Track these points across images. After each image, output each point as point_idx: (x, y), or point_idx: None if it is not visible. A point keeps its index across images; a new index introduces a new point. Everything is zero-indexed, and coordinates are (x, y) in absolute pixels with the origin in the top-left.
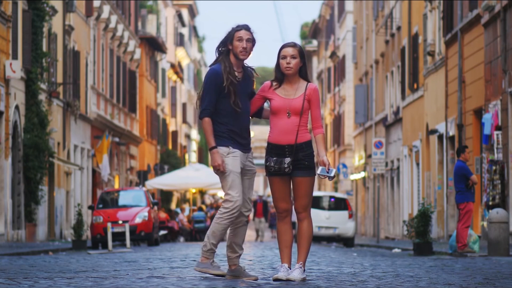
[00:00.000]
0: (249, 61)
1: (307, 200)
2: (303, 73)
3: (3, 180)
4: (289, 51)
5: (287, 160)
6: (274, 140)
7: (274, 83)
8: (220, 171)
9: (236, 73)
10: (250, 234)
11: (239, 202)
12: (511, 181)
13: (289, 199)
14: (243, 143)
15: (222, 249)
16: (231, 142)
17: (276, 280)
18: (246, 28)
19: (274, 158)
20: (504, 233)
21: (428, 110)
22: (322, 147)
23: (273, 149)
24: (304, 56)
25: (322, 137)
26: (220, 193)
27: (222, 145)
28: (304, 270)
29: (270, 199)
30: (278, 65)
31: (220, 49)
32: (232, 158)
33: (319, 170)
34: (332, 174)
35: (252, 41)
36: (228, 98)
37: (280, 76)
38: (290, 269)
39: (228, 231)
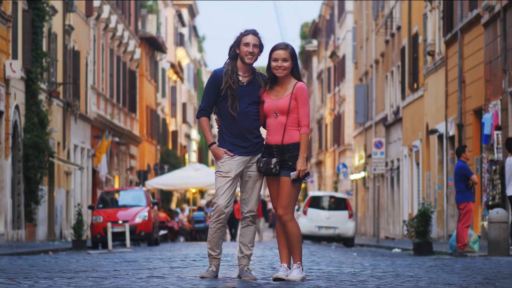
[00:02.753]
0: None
1: (288, 201)
2: (295, 73)
3: (3, 180)
4: (281, 53)
5: (274, 160)
6: (266, 140)
7: (267, 86)
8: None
9: (241, 78)
10: None
11: (219, 207)
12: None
13: None
14: (246, 146)
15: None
16: (230, 146)
17: (276, 279)
18: (254, 33)
19: (264, 159)
20: (504, 233)
21: (428, 110)
22: (303, 149)
23: (265, 150)
24: (295, 57)
25: (305, 138)
26: None
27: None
28: (302, 269)
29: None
30: (269, 65)
31: (230, 53)
32: (225, 163)
33: (291, 173)
34: (305, 180)
35: (259, 46)
36: (226, 101)
37: (272, 76)
38: (290, 268)
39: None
